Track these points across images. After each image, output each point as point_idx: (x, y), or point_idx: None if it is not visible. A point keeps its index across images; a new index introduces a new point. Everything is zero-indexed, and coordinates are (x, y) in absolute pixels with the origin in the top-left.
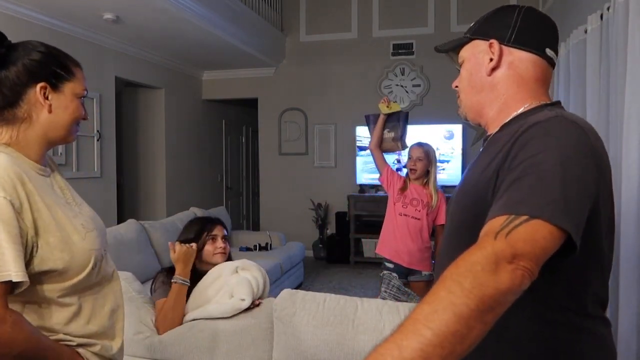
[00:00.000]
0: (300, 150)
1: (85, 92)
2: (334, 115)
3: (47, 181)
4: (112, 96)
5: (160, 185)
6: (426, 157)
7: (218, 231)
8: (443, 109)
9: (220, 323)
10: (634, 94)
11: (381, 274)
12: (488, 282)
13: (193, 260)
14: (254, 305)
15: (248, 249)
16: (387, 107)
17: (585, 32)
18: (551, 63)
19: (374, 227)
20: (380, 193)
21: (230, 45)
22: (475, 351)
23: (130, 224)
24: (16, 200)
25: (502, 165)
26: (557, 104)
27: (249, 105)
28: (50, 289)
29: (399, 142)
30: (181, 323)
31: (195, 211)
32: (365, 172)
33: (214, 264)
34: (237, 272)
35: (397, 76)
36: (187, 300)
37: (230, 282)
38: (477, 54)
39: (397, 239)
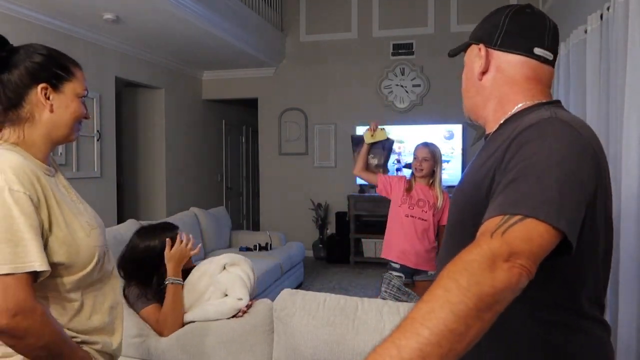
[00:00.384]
0: (300, 150)
1: (86, 92)
2: (334, 115)
3: (53, 180)
4: (112, 96)
5: (160, 185)
6: (432, 158)
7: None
8: (443, 109)
9: (219, 324)
10: (634, 94)
11: (383, 274)
12: (485, 280)
13: (186, 260)
14: (248, 306)
15: (248, 249)
16: (372, 135)
17: (585, 32)
18: (545, 61)
19: (374, 227)
20: None
21: (230, 45)
22: (471, 351)
23: (130, 224)
24: (34, 195)
25: (498, 166)
26: (555, 103)
27: (249, 105)
28: (58, 283)
29: (381, 168)
30: (182, 323)
31: (195, 211)
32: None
33: (189, 267)
34: (225, 268)
35: (397, 76)
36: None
37: (221, 280)
38: (472, 59)
39: (404, 241)
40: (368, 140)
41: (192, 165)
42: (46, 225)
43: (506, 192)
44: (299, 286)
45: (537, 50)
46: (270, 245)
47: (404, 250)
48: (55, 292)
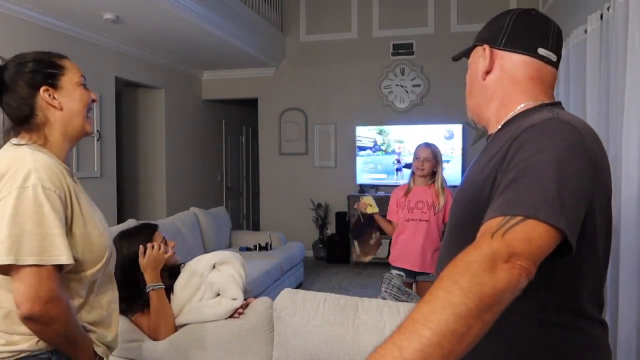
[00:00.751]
0: (300, 150)
1: (83, 78)
2: (334, 115)
3: (72, 180)
4: (112, 96)
5: (160, 185)
6: (434, 158)
7: (159, 235)
8: (443, 109)
9: (217, 324)
10: (634, 94)
11: (383, 274)
12: (485, 281)
13: (162, 265)
14: (243, 306)
15: (248, 249)
16: (370, 206)
17: (585, 32)
18: (549, 62)
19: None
20: (381, 193)
21: (230, 45)
22: (471, 352)
23: (130, 224)
24: (62, 193)
25: (500, 167)
26: (557, 104)
27: (249, 105)
28: (68, 278)
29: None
30: (175, 325)
31: (195, 211)
32: (365, 172)
33: (174, 265)
34: (214, 267)
35: (397, 76)
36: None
37: (213, 280)
38: (476, 60)
39: (407, 245)
40: (374, 209)
41: (192, 165)
42: (68, 223)
43: (506, 193)
44: (299, 286)
45: (541, 51)
46: (270, 245)
47: (409, 254)
48: (64, 287)
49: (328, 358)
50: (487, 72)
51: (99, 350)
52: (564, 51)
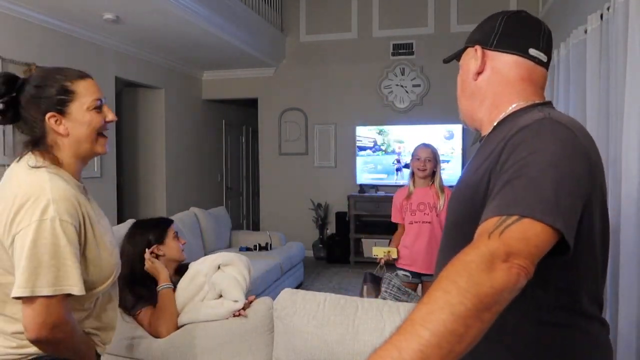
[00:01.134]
0: (300, 150)
1: (99, 101)
2: (334, 115)
3: (85, 199)
4: (112, 96)
5: (160, 185)
6: (434, 158)
7: (172, 230)
8: (443, 109)
9: (217, 324)
10: (633, 94)
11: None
12: (483, 281)
13: (162, 269)
14: (245, 306)
15: (248, 249)
16: (388, 252)
17: (585, 32)
18: (540, 62)
19: (374, 227)
20: (381, 193)
21: (230, 45)
22: (471, 352)
23: (130, 224)
24: (77, 223)
25: (494, 168)
26: (548, 104)
27: (249, 105)
28: (77, 297)
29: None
30: (177, 324)
31: (195, 211)
32: (365, 172)
33: (180, 260)
34: (219, 268)
35: (397, 76)
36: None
37: (216, 280)
38: (468, 61)
39: (413, 247)
40: (394, 252)
41: (192, 165)
42: (81, 249)
43: (502, 193)
44: (299, 286)
45: (532, 51)
46: (270, 245)
47: (414, 257)
48: (73, 303)
49: (328, 358)
50: (479, 73)
51: (100, 349)
52: (564, 51)
